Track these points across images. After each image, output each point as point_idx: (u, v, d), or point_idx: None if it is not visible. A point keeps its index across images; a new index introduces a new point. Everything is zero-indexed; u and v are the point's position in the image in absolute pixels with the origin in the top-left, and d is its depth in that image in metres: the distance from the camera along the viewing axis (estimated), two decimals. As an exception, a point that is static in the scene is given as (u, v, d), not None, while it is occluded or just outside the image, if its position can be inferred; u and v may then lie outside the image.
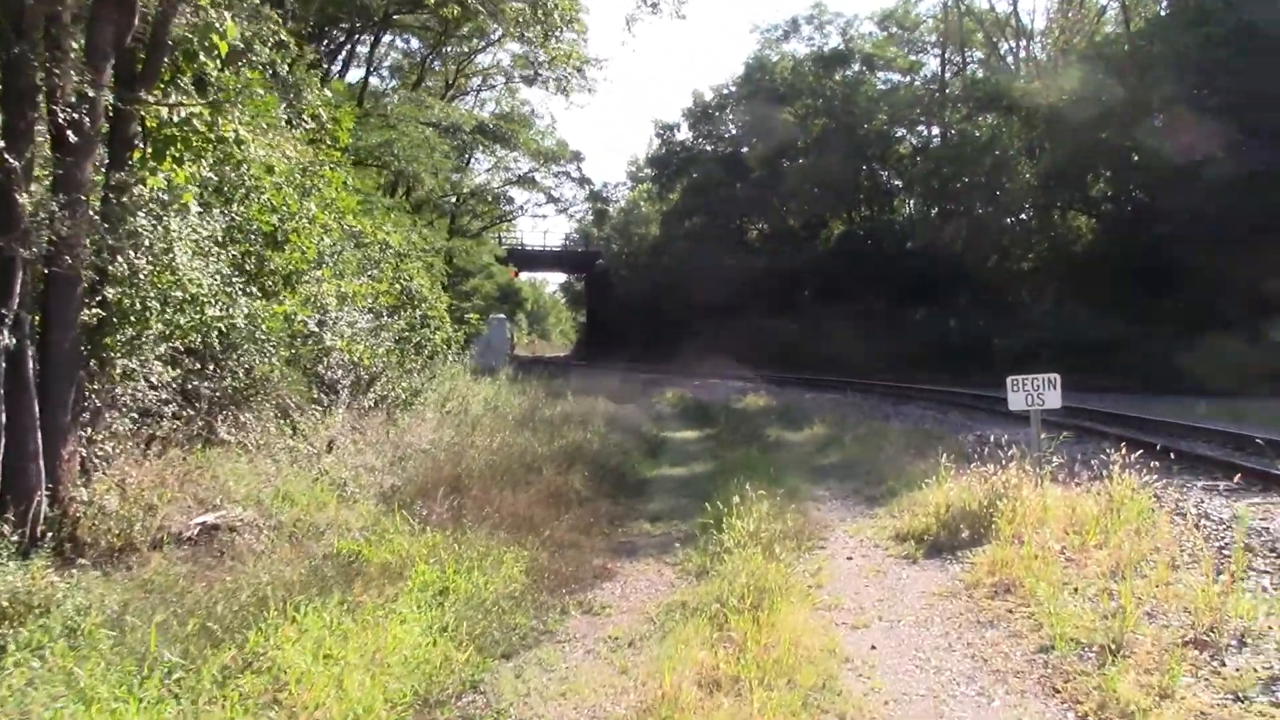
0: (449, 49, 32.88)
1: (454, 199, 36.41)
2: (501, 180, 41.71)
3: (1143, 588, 7.48)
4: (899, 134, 57.67)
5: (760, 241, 63.86)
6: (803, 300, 55.15)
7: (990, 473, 10.33)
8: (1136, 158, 36.87)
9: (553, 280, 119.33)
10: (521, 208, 48.03)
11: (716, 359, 54.41)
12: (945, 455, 13.29)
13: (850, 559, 9.50)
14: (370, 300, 14.95)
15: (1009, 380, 11.36)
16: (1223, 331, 28.51)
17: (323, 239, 13.82)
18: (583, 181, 44.82)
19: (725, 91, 66.96)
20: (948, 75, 55.38)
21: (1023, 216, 47.55)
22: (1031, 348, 35.91)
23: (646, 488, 13.69)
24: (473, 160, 41.89)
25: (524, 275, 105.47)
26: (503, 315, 51.94)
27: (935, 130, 55.55)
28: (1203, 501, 10.70)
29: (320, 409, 13.43)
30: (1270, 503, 10.45)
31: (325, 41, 27.01)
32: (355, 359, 14.18)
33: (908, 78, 57.12)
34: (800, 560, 9.10)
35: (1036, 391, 11.08)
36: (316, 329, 13.39)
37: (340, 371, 14.53)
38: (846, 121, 54.91)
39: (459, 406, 17.07)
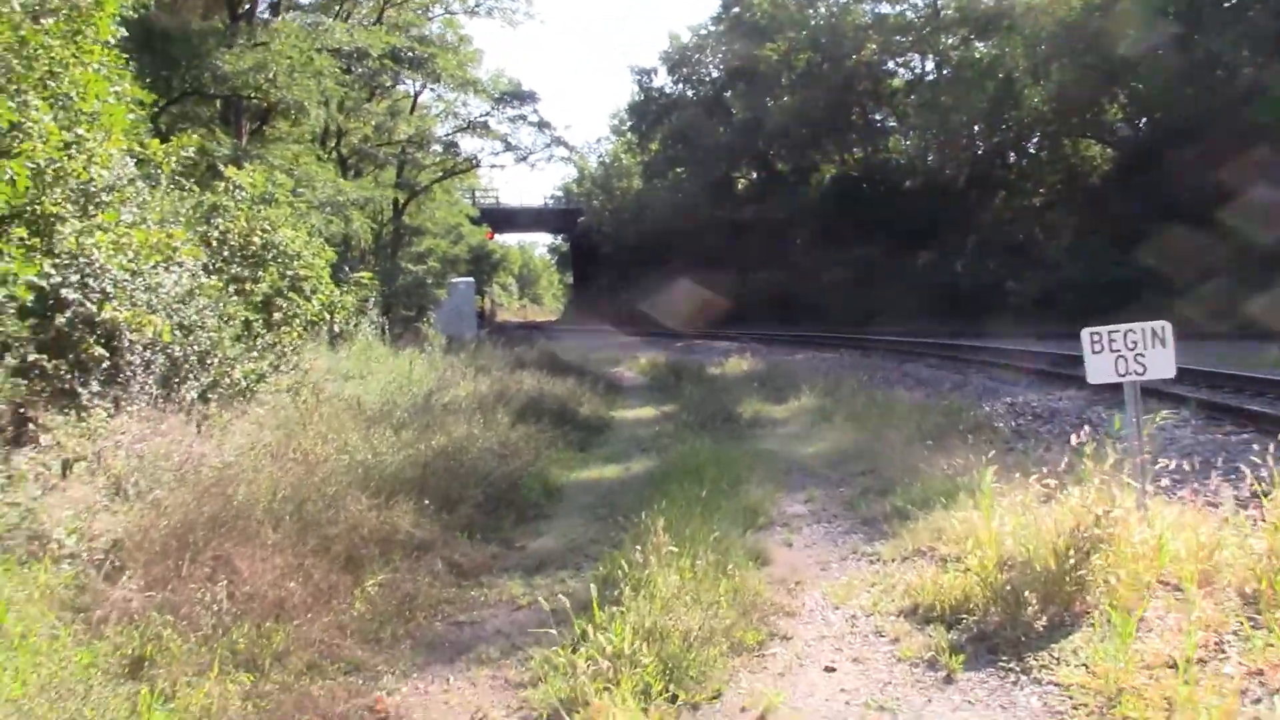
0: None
1: (385, 146, 31.99)
2: (450, 127, 37.16)
3: None
4: (890, 66, 53.36)
5: (747, 190, 59.88)
6: (794, 250, 51.17)
7: (1057, 484, 6.27)
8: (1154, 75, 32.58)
9: (542, 243, 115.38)
10: (472, 159, 43.35)
11: (703, 317, 51.04)
12: (974, 441, 9.31)
13: (831, 670, 5.25)
14: (170, 254, 10.73)
15: (1087, 335, 6.73)
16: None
17: (88, 165, 9.74)
18: (541, 125, 40.16)
19: (704, 32, 62.56)
20: (939, 2, 50.85)
21: (1030, 148, 43.52)
22: (1050, 291, 32.13)
23: (551, 505, 9.54)
24: (415, 106, 37.52)
25: (508, 238, 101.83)
26: (469, 279, 47.68)
27: (930, 61, 51.24)
28: None
29: (79, 408, 9.35)
30: None
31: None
32: (154, 334, 10.02)
33: (897, 7, 52.52)
34: (734, 686, 5.03)
35: (1133, 352, 6.68)
36: (77, 293, 9.29)
37: (136, 353, 10.41)
38: (833, 54, 50.57)
39: (333, 392, 12.97)
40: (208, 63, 17.53)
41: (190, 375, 11.10)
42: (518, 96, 39.24)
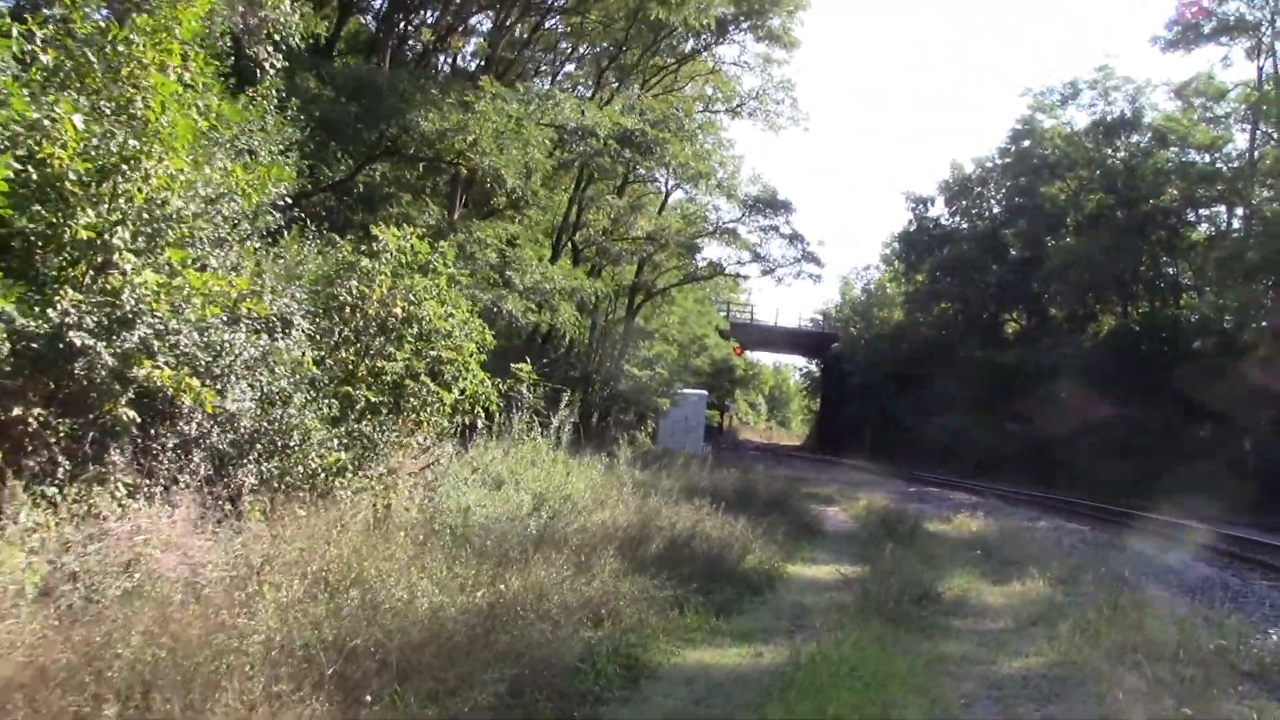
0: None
1: (621, 242, 30.32)
2: (689, 232, 35.01)
3: None
4: (1191, 216, 48.72)
5: (1016, 333, 55.90)
6: (1059, 403, 46.72)
7: None
8: None
9: (798, 365, 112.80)
10: (717, 265, 41.30)
11: (952, 463, 47.47)
12: (1259, 696, 6.27)
13: None
14: (233, 306, 8.74)
15: None
16: None
17: (142, 186, 8.00)
18: (794, 238, 37.69)
19: (988, 164, 59.36)
20: (1257, 153, 45.97)
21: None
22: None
23: (615, 708, 6.85)
24: (665, 206, 35.95)
25: (761, 356, 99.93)
26: (702, 392, 45.64)
27: (1238, 213, 46.35)
28: None
29: (92, 479, 7.45)
30: None
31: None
32: (196, 401, 8.03)
33: (1206, 156, 47.85)
34: None
35: None
36: (93, 339, 7.42)
37: (184, 422, 8.49)
38: (1128, 197, 46.46)
39: (434, 501, 10.74)
40: (408, 119, 16.14)
41: (251, 458, 9.15)
42: (771, 205, 36.94)
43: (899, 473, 43.18)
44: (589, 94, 26.24)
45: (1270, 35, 42.55)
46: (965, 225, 61.79)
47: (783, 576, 12.54)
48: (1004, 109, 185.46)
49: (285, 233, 12.40)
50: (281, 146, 12.10)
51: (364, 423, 10.44)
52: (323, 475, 9.55)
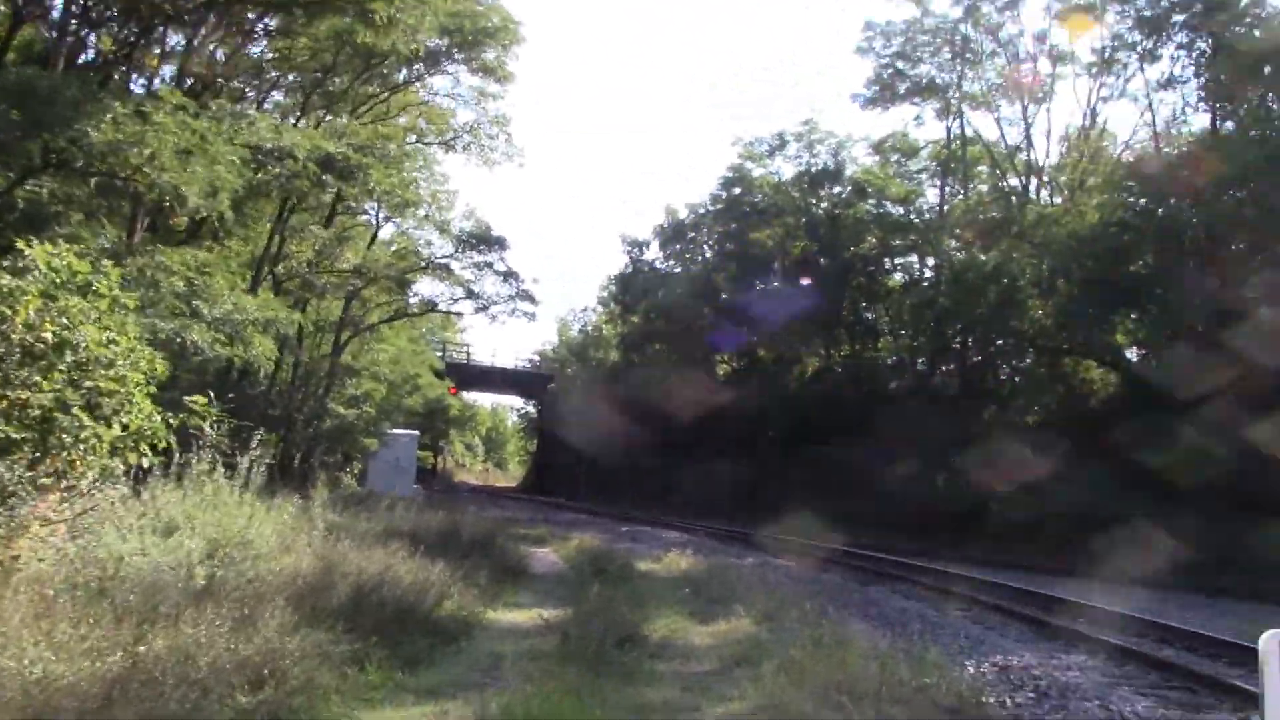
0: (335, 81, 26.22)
1: (328, 275, 28.87)
2: (400, 266, 33.74)
3: None
4: (888, 265, 51.41)
5: (726, 375, 57.15)
6: (766, 442, 48.04)
7: None
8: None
9: (515, 407, 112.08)
10: (429, 301, 40.37)
11: (665, 503, 47.78)
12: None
13: None
14: None
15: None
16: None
17: None
18: (508, 275, 37.02)
19: (700, 210, 60.72)
20: (946, 208, 48.93)
21: (1025, 363, 40.89)
22: (1037, 517, 28.92)
23: None
24: (374, 240, 34.67)
25: (479, 398, 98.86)
26: (413, 433, 44.33)
27: (930, 263, 49.14)
28: None
29: None
30: None
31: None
32: None
33: (902, 208, 50.62)
34: None
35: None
36: None
37: None
38: (830, 243, 48.53)
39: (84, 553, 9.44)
40: (76, 129, 14.54)
41: None
42: (485, 241, 36.15)
43: (614, 512, 43.16)
44: (294, 122, 24.80)
45: (957, 98, 45.36)
46: (679, 269, 62.84)
47: (481, 623, 11.75)
48: (719, 155, 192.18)
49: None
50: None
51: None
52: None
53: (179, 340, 17.50)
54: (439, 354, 59.16)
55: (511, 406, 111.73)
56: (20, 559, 8.16)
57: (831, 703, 7.90)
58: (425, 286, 41.36)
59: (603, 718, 7.26)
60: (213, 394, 14.42)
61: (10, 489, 8.81)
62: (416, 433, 45.89)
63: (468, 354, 72.52)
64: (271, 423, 27.50)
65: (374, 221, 35.54)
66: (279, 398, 29.03)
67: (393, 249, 36.33)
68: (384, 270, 31.68)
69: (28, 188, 17.10)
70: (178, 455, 13.48)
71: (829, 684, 8.45)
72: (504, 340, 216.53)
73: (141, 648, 6.61)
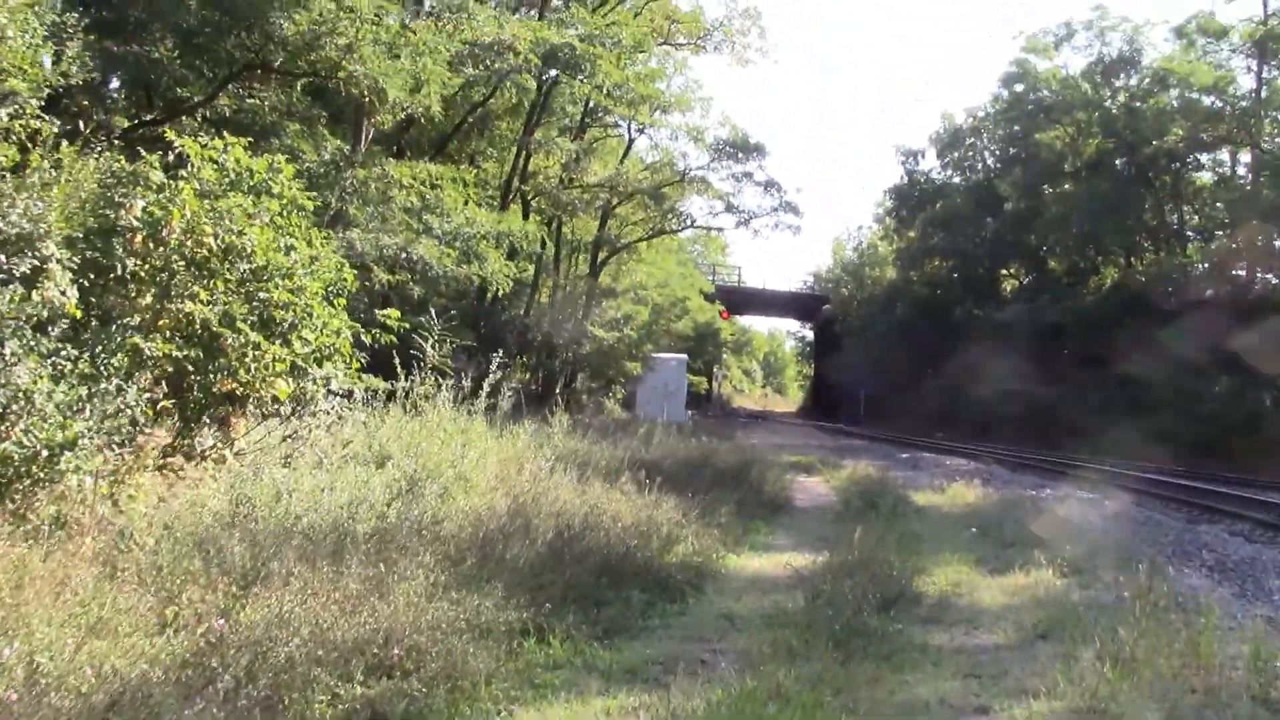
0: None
1: (576, 191, 27.31)
2: (654, 180, 31.77)
3: None
4: (1196, 161, 45.90)
5: (1014, 291, 53.22)
6: (1061, 362, 44.10)
7: None
8: None
9: (791, 331, 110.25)
10: (687, 216, 38.33)
11: (950, 427, 45.09)
12: None
13: None
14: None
15: None
16: None
17: None
18: (769, 186, 34.61)
19: (979, 114, 56.52)
20: (1265, 93, 42.96)
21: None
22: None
23: None
24: (629, 152, 32.99)
25: (753, 322, 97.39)
26: (681, 356, 42.84)
27: (1242, 158, 43.53)
28: None
29: None
30: None
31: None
32: None
33: (1210, 97, 44.88)
34: None
35: None
36: None
37: None
38: (1127, 139, 43.63)
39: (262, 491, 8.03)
40: (270, 23, 13.29)
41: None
42: (743, 149, 33.81)
43: (893, 437, 40.80)
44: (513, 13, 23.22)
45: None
46: (958, 178, 59.36)
47: (718, 573, 9.72)
48: (999, 53, 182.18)
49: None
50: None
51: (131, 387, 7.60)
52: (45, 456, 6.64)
53: (405, 256, 16.27)
54: (709, 278, 57.73)
55: (788, 331, 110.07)
56: (120, 503, 6.67)
57: (1185, 712, 5.51)
58: (683, 203, 39.66)
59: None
60: (459, 317, 13.07)
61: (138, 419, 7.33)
62: (685, 356, 44.41)
63: (739, 277, 71.00)
64: (530, 348, 26.44)
65: (626, 135, 33.88)
66: (534, 322, 27.89)
67: (647, 165, 34.61)
68: (637, 183, 29.93)
69: (246, 99, 16.14)
70: (402, 378, 12.27)
71: (1176, 679, 5.99)
72: (776, 264, 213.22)
73: (222, 621, 4.93)
